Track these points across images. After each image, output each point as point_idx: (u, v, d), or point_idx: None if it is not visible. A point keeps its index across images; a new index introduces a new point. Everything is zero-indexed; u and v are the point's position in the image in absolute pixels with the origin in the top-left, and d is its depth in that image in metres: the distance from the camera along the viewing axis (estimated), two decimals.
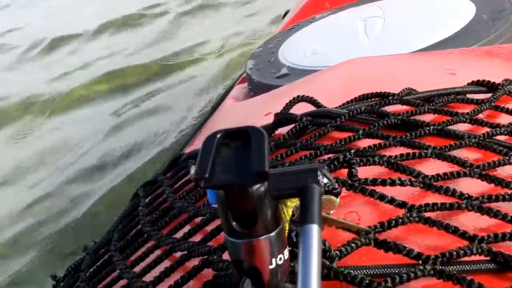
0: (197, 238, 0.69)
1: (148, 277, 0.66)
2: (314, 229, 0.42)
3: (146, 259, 0.73)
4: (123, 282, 0.70)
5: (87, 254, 0.93)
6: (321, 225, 0.43)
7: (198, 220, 0.72)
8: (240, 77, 1.80)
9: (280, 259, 0.44)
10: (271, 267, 0.44)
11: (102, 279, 0.76)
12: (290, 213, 0.47)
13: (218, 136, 0.43)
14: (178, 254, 0.67)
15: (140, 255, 0.74)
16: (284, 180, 0.44)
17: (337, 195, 0.58)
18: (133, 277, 0.68)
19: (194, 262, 0.62)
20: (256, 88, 1.51)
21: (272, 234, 0.44)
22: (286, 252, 0.46)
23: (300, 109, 0.95)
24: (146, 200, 0.98)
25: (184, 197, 0.85)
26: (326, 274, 0.52)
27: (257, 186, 0.42)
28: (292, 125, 0.91)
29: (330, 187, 0.56)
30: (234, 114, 1.35)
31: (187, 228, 0.72)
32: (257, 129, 0.43)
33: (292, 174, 0.45)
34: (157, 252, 0.72)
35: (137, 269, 0.71)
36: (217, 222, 0.68)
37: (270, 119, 0.96)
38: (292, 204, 0.47)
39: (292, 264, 0.50)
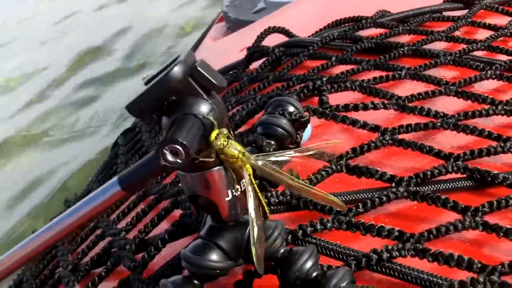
0: (168, 180, 0.67)
1: (122, 224, 0.65)
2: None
3: (120, 206, 0.71)
4: (99, 231, 0.68)
5: (68, 207, 0.91)
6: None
7: None
8: (218, 16, 1.77)
9: (237, 190, 0.42)
10: (227, 199, 0.42)
11: (80, 230, 0.75)
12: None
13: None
14: (151, 198, 0.65)
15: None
16: None
17: (305, 123, 0.56)
18: (107, 225, 0.66)
19: (165, 204, 0.60)
20: (234, 25, 1.48)
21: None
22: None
23: (276, 41, 0.93)
24: (125, 148, 0.97)
25: None
26: (296, 204, 0.50)
27: None
28: (265, 58, 0.88)
29: (298, 115, 0.54)
30: (211, 53, 1.32)
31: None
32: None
33: None
34: (131, 198, 0.70)
35: (112, 216, 0.70)
36: None
37: (244, 55, 0.94)
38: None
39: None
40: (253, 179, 0.41)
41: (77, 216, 0.45)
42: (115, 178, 0.43)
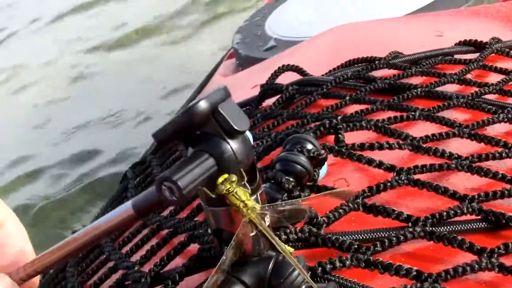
0: (183, 214, 0.67)
1: (136, 257, 0.65)
2: None
3: (133, 239, 0.71)
4: (111, 263, 0.69)
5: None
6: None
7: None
8: (228, 53, 1.78)
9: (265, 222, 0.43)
10: (252, 234, 0.42)
11: (90, 262, 0.75)
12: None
13: None
14: (166, 232, 0.66)
15: (127, 236, 0.72)
16: None
17: (323, 161, 0.56)
18: (120, 257, 0.67)
19: (181, 238, 0.60)
20: (244, 62, 1.49)
21: (253, 197, 0.42)
22: (268, 218, 0.44)
23: (287, 79, 0.94)
24: (135, 182, 0.97)
25: None
26: (314, 241, 0.51)
27: None
28: (279, 96, 0.89)
29: (316, 152, 0.55)
30: None
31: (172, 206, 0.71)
32: None
33: None
34: (145, 232, 0.70)
35: (124, 249, 0.70)
36: None
37: (257, 92, 0.95)
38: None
39: (278, 232, 0.49)
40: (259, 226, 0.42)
41: (89, 236, 0.46)
42: (129, 202, 0.43)
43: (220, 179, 0.40)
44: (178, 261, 0.58)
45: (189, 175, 0.38)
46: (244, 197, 0.41)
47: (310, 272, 0.46)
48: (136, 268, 0.62)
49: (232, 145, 0.40)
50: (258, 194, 0.44)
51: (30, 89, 3.55)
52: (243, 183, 0.42)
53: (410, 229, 0.50)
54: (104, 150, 2.68)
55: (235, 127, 0.40)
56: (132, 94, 3.06)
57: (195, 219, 0.64)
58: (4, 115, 3.33)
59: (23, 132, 3.09)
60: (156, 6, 3.99)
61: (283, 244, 0.43)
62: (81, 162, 2.65)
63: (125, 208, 0.43)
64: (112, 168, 2.49)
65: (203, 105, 0.39)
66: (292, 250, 0.44)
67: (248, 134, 0.45)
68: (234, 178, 0.41)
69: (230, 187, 0.40)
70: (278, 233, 0.48)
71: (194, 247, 0.57)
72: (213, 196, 0.41)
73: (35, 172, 2.70)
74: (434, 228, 0.51)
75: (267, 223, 0.44)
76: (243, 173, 0.42)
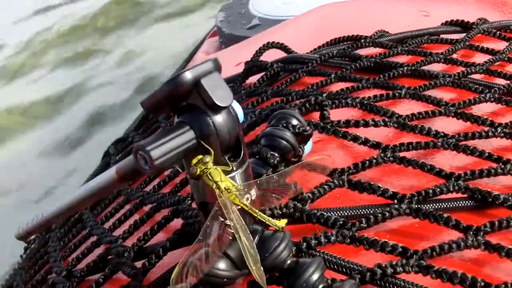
0: (167, 190, 0.67)
1: (119, 232, 0.64)
2: None
3: (116, 214, 0.71)
4: (93, 238, 0.68)
5: None
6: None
7: (167, 172, 0.70)
8: (211, 31, 1.77)
9: (247, 199, 0.42)
10: (228, 212, 0.42)
11: (73, 237, 0.74)
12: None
13: None
14: (148, 207, 0.65)
15: (110, 211, 0.72)
16: None
17: (308, 137, 0.56)
18: (103, 232, 0.66)
19: (164, 213, 0.60)
20: (227, 41, 1.49)
21: (236, 172, 0.42)
22: (253, 192, 0.44)
23: (272, 57, 0.93)
24: (117, 158, 0.96)
25: None
26: (299, 217, 0.50)
27: None
28: (263, 73, 0.88)
29: (301, 128, 0.55)
30: None
31: (156, 181, 0.70)
32: None
33: None
34: (127, 207, 0.70)
35: (107, 224, 0.69)
36: None
37: (241, 69, 0.94)
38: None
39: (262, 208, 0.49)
40: (232, 211, 0.41)
41: (72, 202, 0.47)
42: (113, 167, 0.44)
43: (194, 160, 0.40)
44: (161, 236, 0.58)
45: (163, 147, 0.38)
46: (217, 177, 0.40)
47: (295, 248, 0.46)
48: (119, 242, 0.61)
49: (214, 119, 0.40)
50: (243, 169, 0.43)
51: None
52: (225, 157, 0.41)
53: (396, 206, 0.50)
54: None
55: (215, 102, 0.39)
56: None
57: (179, 194, 0.63)
58: None
59: None
60: None
61: (266, 217, 0.43)
62: None
63: (109, 173, 0.43)
64: None
65: (185, 77, 0.39)
66: (285, 222, 0.44)
67: (238, 109, 0.44)
68: (207, 158, 0.40)
69: (205, 168, 0.40)
70: (263, 208, 0.48)
71: (177, 222, 0.56)
72: (192, 172, 0.41)
73: None
74: (420, 206, 0.50)
75: (253, 197, 0.43)
76: (224, 148, 0.41)
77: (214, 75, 0.40)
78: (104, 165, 1.04)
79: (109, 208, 0.74)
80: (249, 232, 0.41)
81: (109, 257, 0.60)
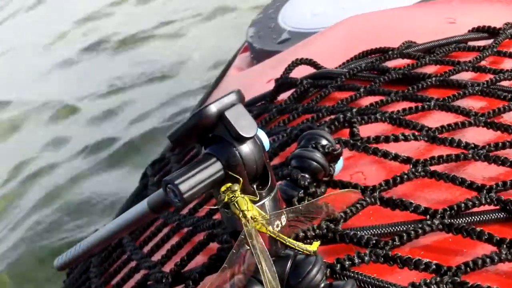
0: (203, 212, 0.68)
1: (157, 256, 0.66)
2: None
3: (154, 238, 0.72)
4: (133, 263, 0.69)
5: None
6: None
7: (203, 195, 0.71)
8: (242, 46, 1.78)
9: (278, 226, 0.43)
10: (253, 242, 0.42)
11: (113, 262, 0.76)
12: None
13: None
14: (185, 230, 0.66)
15: (149, 235, 0.73)
16: None
17: (338, 156, 0.57)
18: (141, 257, 0.67)
19: (200, 237, 0.61)
20: (258, 56, 1.49)
21: (265, 200, 0.43)
22: (284, 218, 0.44)
23: (302, 72, 0.94)
24: (155, 179, 0.98)
25: None
26: (332, 237, 0.51)
27: None
28: (293, 90, 0.89)
29: (330, 148, 0.55)
30: (237, 84, 1.33)
31: (192, 204, 0.71)
32: None
33: None
34: (165, 230, 0.71)
35: (146, 249, 0.71)
36: None
37: (272, 86, 0.95)
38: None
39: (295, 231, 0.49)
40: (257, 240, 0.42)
41: (108, 234, 0.48)
42: (145, 200, 0.45)
43: (223, 188, 0.41)
44: (199, 259, 0.59)
45: (192, 179, 0.39)
46: (244, 206, 0.41)
47: (328, 269, 0.46)
48: (157, 268, 0.62)
49: (240, 150, 0.41)
50: (272, 195, 0.44)
51: None
52: (254, 186, 0.42)
53: (428, 222, 0.50)
54: None
55: (240, 133, 0.40)
56: None
57: (214, 217, 0.64)
58: None
59: None
60: None
61: (296, 242, 0.44)
62: None
63: (142, 206, 0.45)
64: None
65: (210, 110, 0.40)
66: (317, 245, 0.45)
67: (263, 137, 0.45)
68: (236, 187, 0.41)
69: (232, 196, 0.41)
70: (295, 231, 0.49)
71: (214, 245, 0.57)
72: (220, 200, 0.42)
73: None
74: (452, 220, 0.51)
75: (283, 223, 0.44)
76: (251, 177, 0.42)
77: (238, 107, 0.41)
78: (142, 187, 1.05)
79: (147, 232, 0.75)
80: (272, 262, 0.42)
81: (148, 282, 0.62)
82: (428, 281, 0.44)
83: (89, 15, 4.41)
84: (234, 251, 0.42)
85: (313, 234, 0.50)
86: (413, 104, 0.72)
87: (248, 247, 0.42)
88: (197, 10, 3.87)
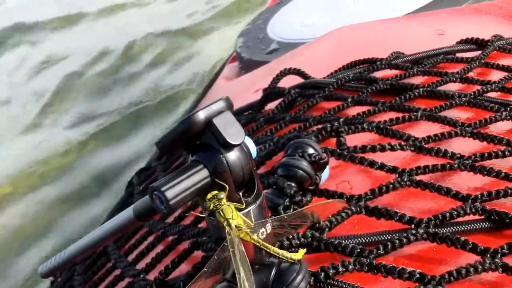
0: (188, 221, 0.67)
1: (142, 264, 0.65)
2: None
3: (139, 246, 0.71)
4: (117, 272, 0.69)
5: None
6: None
7: (189, 203, 0.71)
8: (230, 56, 1.79)
9: (263, 233, 0.43)
10: (235, 249, 0.42)
11: (97, 270, 0.75)
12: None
13: None
14: (170, 239, 0.66)
15: (134, 243, 0.72)
16: None
17: (324, 165, 0.56)
18: (126, 265, 0.67)
19: (186, 245, 0.60)
20: (247, 66, 1.50)
21: (251, 207, 0.43)
22: (269, 226, 0.44)
23: (290, 82, 0.94)
24: (141, 188, 0.97)
25: None
26: (317, 246, 0.50)
27: None
28: (281, 99, 0.89)
29: (317, 157, 0.55)
30: (225, 93, 1.33)
31: (177, 212, 0.71)
32: None
33: None
34: (150, 238, 0.71)
35: (131, 257, 0.70)
36: None
37: (259, 96, 0.95)
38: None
39: (280, 239, 0.49)
40: (238, 249, 0.42)
41: (92, 242, 0.48)
42: (130, 207, 0.45)
43: (209, 195, 0.41)
44: (183, 268, 0.59)
45: (178, 186, 0.39)
46: (229, 215, 0.41)
47: (312, 278, 0.46)
48: (142, 276, 0.62)
49: (227, 157, 0.41)
50: (258, 203, 0.44)
51: None
52: (240, 193, 0.42)
53: (413, 231, 0.50)
54: None
55: (228, 140, 0.40)
56: None
57: (199, 225, 0.64)
58: None
59: None
60: None
61: (280, 251, 0.43)
62: None
63: (127, 213, 0.44)
64: None
65: (197, 117, 0.40)
66: (302, 253, 0.45)
67: (251, 145, 0.45)
68: (222, 195, 0.41)
69: (218, 204, 0.41)
70: (280, 239, 0.48)
71: (199, 253, 0.57)
72: (206, 208, 0.41)
73: None
74: (437, 230, 0.51)
75: (268, 231, 0.44)
76: (237, 184, 0.42)
77: (226, 114, 0.41)
78: (128, 195, 1.05)
79: (132, 240, 0.75)
80: (251, 271, 0.41)
81: None
82: None
83: None
84: (216, 257, 0.42)
85: (298, 242, 0.50)
86: (400, 114, 0.72)
87: (228, 254, 0.42)
88: None
